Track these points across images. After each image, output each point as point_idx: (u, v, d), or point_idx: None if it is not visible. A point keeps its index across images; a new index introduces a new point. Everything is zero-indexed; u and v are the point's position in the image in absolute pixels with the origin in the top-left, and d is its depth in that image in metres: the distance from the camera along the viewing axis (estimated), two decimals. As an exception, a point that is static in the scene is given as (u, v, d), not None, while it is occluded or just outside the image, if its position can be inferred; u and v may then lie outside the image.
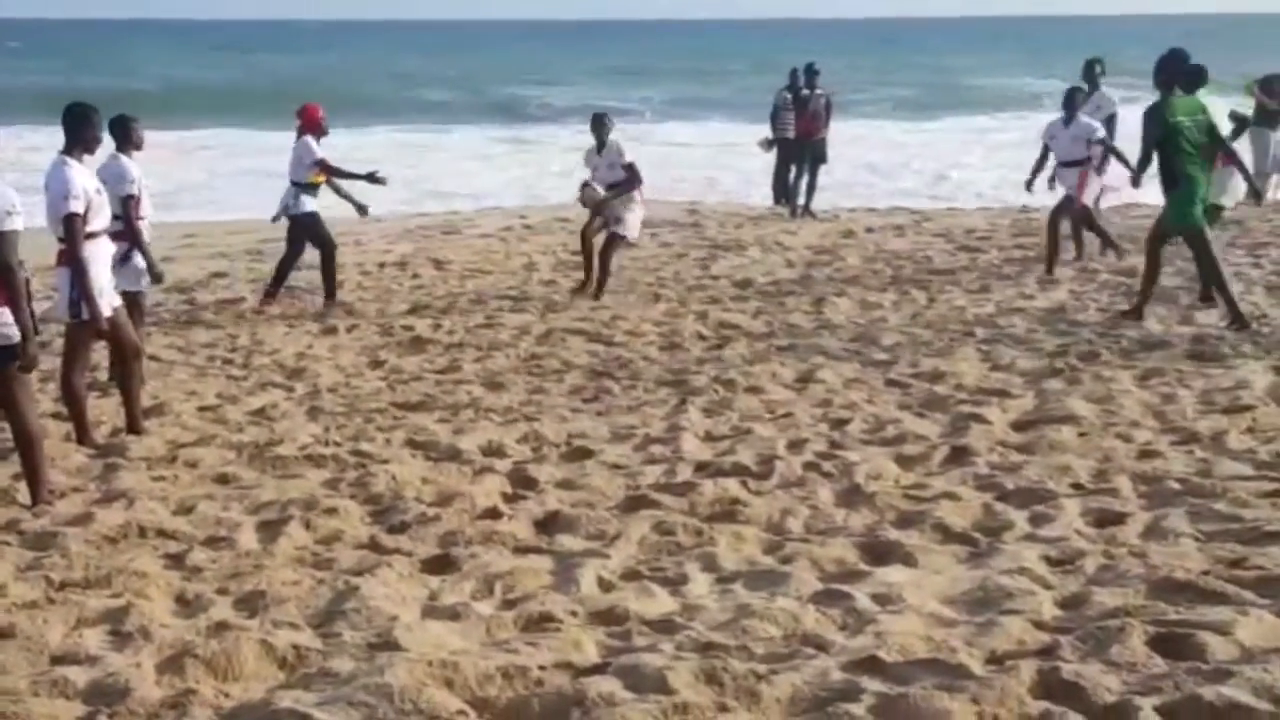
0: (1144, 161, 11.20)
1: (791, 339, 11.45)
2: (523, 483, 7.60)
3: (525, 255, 17.13)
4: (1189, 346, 10.35)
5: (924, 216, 19.86)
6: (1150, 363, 9.86)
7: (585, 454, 8.16)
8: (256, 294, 14.15)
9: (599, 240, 14.08)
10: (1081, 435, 8.09)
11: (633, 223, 14.05)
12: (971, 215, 20.23)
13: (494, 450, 8.33)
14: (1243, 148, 14.28)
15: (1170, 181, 11.05)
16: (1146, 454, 7.65)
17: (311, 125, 13.73)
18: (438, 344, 11.87)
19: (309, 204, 13.75)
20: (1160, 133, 10.91)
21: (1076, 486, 7.12)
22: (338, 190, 14.11)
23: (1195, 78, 11.46)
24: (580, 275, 14.40)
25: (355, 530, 6.84)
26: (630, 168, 13.85)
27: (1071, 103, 14.25)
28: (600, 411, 9.30)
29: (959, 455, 7.80)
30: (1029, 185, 14.71)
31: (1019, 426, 8.42)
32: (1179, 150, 10.92)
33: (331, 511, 7.04)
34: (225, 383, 10.52)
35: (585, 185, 14.06)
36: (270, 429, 9.01)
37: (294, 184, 13.71)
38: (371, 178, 13.90)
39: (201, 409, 9.61)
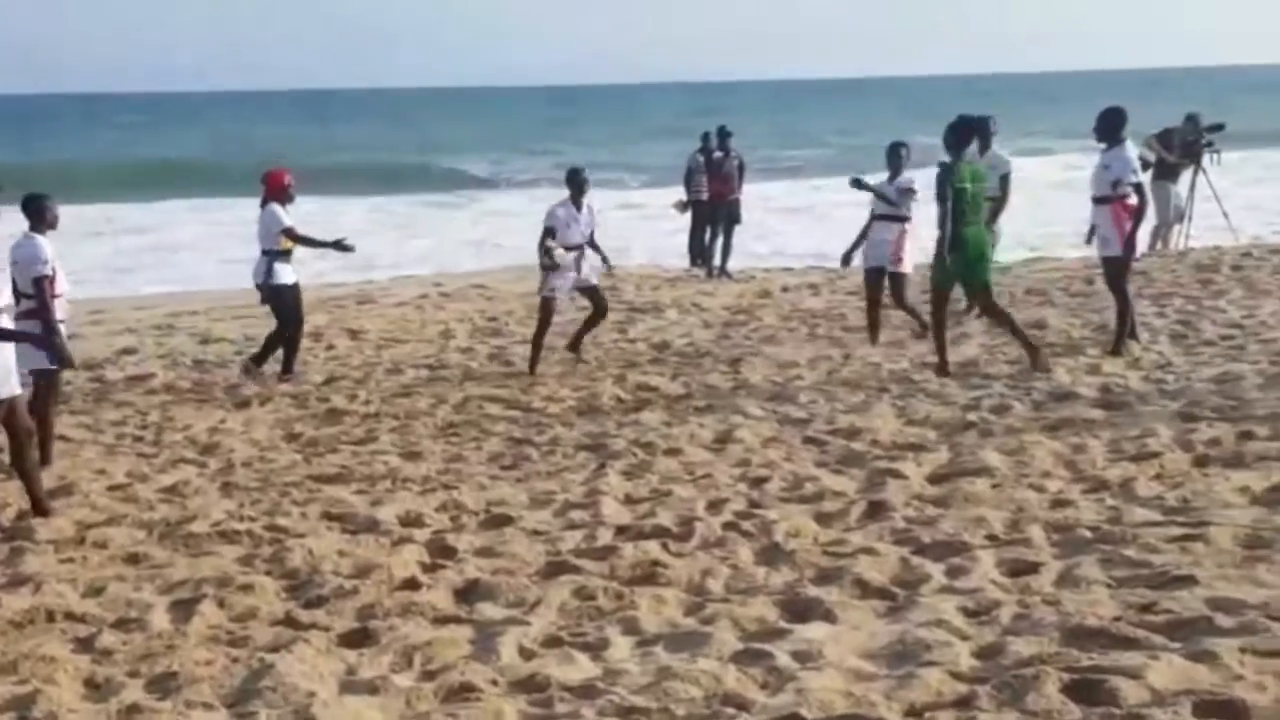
0: (941, 220, 11.64)
1: (709, 400, 11.49)
2: (442, 552, 7.55)
3: (442, 323, 17.10)
4: (1097, 396, 10.50)
5: (839, 274, 20.01)
6: (1060, 413, 9.98)
7: (505, 521, 8.12)
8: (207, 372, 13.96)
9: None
10: (995, 487, 8.17)
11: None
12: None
13: (412, 520, 8.27)
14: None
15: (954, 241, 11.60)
16: (1058, 503, 7.74)
17: (277, 191, 13.42)
18: (354, 414, 11.79)
19: (286, 274, 13.44)
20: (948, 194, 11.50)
21: (991, 538, 7.19)
22: (312, 244, 13.72)
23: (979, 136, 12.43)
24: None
25: (271, 606, 6.76)
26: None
27: (895, 159, 13.84)
28: (519, 478, 9.27)
29: (876, 510, 7.85)
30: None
31: (934, 480, 8.49)
32: (960, 212, 11.49)
33: (246, 588, 6.95)
34: (135, 460, 10.37)
35: (548, 249, 13.29)
36: (182, 506, 8.89)
37: (265, 253, 13.41)
38: (339, 245, 13.57)
39: (111, 488, 9.47)
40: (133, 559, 7.74)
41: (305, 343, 15.73)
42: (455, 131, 77.52)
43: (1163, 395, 10.38)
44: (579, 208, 13.50)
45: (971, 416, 10.05)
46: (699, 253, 21.40)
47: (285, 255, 13.42)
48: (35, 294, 9.59)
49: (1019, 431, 9.51)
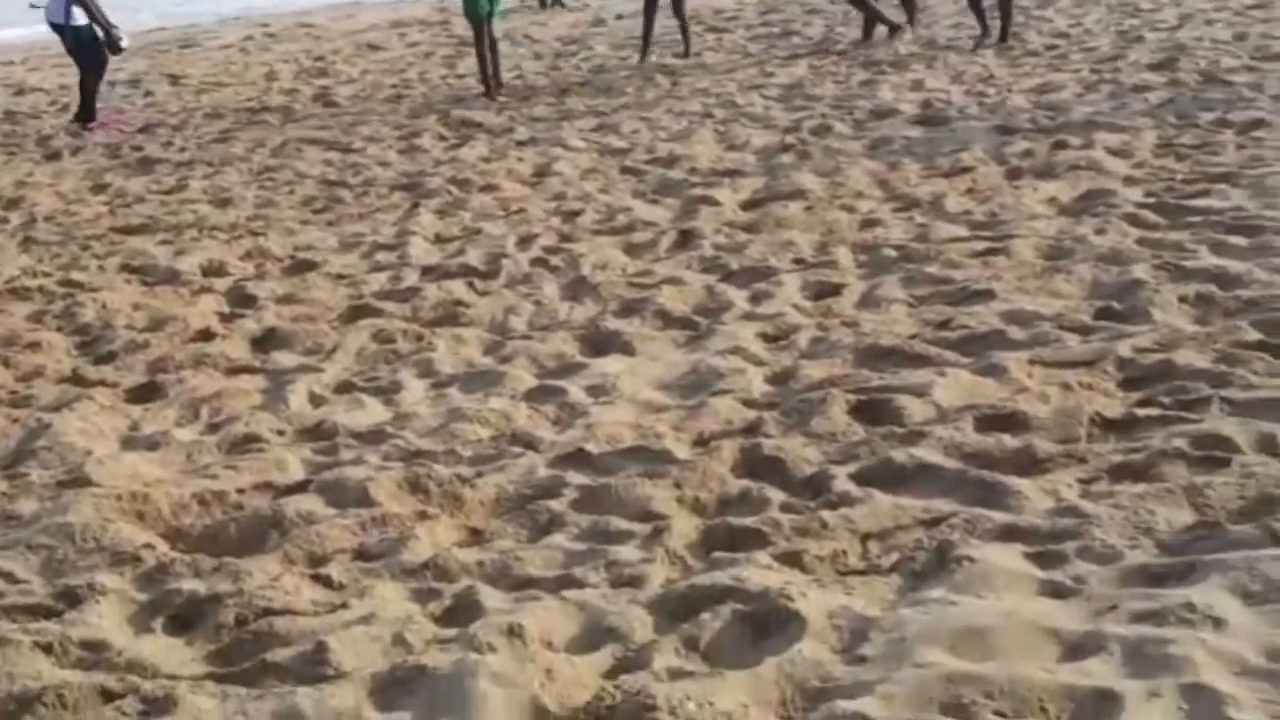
0: None
1: (533, 133, 11.23)
2: (241, 301, 7.34)
3: (266, 65, 16.50)
4: (918, 112, 10.41)
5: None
6: (880, 132, 9.89)
7: (309, 266, 7.90)
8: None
9: None
10: (808, 209, 8.09)
11: None
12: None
13: (214, 269, 8.02)
14: None
15: None
16: (868, 223, 7.68)
17: None
18: (167, 163, 11.38)
19: (80, 17, 12.94)
20: None
21: (798, 261, 7.13)
22: (89, 11, 13.10)
23: None
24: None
25: (59, 364, 6.53)
26: None
27: None
28: (330, 221, 9.01)
29: (686, 239, 7.74)
30: None
31: (747, 206, 8.38)
32: None
33: (34, 346, 6.72)
34: (-69, 220, 9.93)
35: None
36: (-25, 264, 8.54)
37: None
38: (111, 39, 13.07)
39: (-99, 248, 9.07)
40: (-85, 321, 7.43)
41: (122, 90, 15.17)
42: None
43: (982, 109, 10.31)
44: None
45: (790, 139, 9.92)
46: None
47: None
48: None
49: (837, 152, 9.40)
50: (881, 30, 13.80)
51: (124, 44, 13.47)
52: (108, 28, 13.05)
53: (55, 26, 13.11)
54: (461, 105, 12.84)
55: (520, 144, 10.86)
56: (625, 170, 9.63)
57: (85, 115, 13.12)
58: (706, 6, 18.07)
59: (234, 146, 11.77)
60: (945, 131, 9.74)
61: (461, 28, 18.12)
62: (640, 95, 12.50)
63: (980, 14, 12.96)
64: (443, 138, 11.45)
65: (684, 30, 14.48)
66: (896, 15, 13.99)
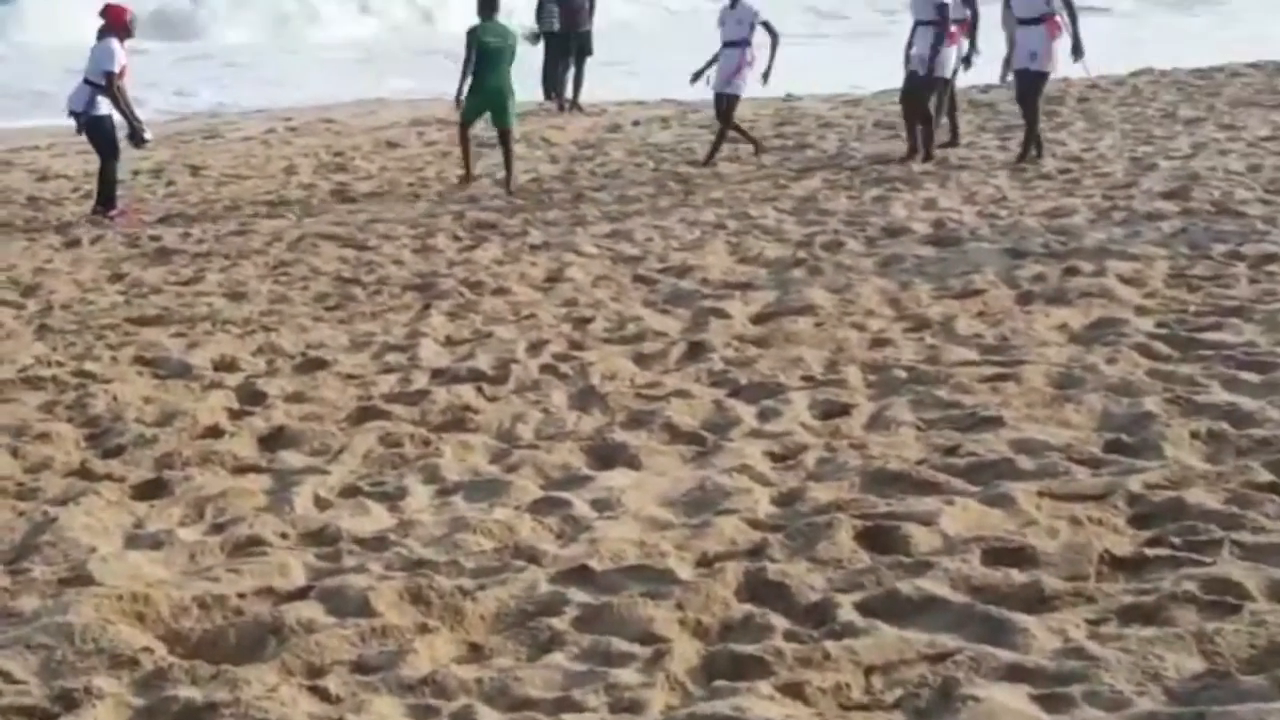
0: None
1: (546, 237, 11.30)
2: (251, 397, 7.33)
3: (286, 159, 16.64)
4: (930, 232, 10.48)
5: (691, 108, 19.76)
6: (892, 249, 9.95)
7: (320, 365, 7.91)
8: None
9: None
10: (818, 325, 8.12)
11: (745, 80, 14.55)
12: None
13: (226, 364, 8.03)
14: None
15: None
16: (878, 342, 7.70)
17: (118, 26, 13.03)
18: (184, 254, 11.43)
19: (106, 105, 13.10)
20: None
21: (808, 378, 7.13)
22: (117, 104, 13.23)
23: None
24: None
25: (67, 456, 6.51)
26: (765, 25, 14.34)
27: None
28: (342, 319, 9.04)
29: (696, 351, 7.75)
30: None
31: (758, 320, 8.42)
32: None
33: (44, 437, 6.71)
34: (-52, 304, 9.97)
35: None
36: (-9, 350, 8.57)
37: (88, 83, 13.07)
38: (136, 133, 13.31)
39: (-83, 332, 9.10)
40: (-74, 407, 7.44)
41: (144, 179, 15.29)
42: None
43: (994, 230, 10.38)
44: (732, 5, 14.62)
45: (803, 254, 9.98)
46: (553, 86, 20.95)
47: (106, 89, 13.04)
48: None
49: (848, 269, 9.46)
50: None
51: (148, 137, 13.64)
52: (134, 122, 13.21)
53: (75, 114, 13.25)
54: (476, 206, 12.93)
55: (534, 247, 10.93)
56: (637, 278, 9.68)
57: (106, 203, 13.21)
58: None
59: (251, 240, 11.84)
60: (957, 252, 9.79)
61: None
62: (654, 203, 12.60)
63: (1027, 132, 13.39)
64: (457, 238, 11.52)
65: (721, 138, 14.79)
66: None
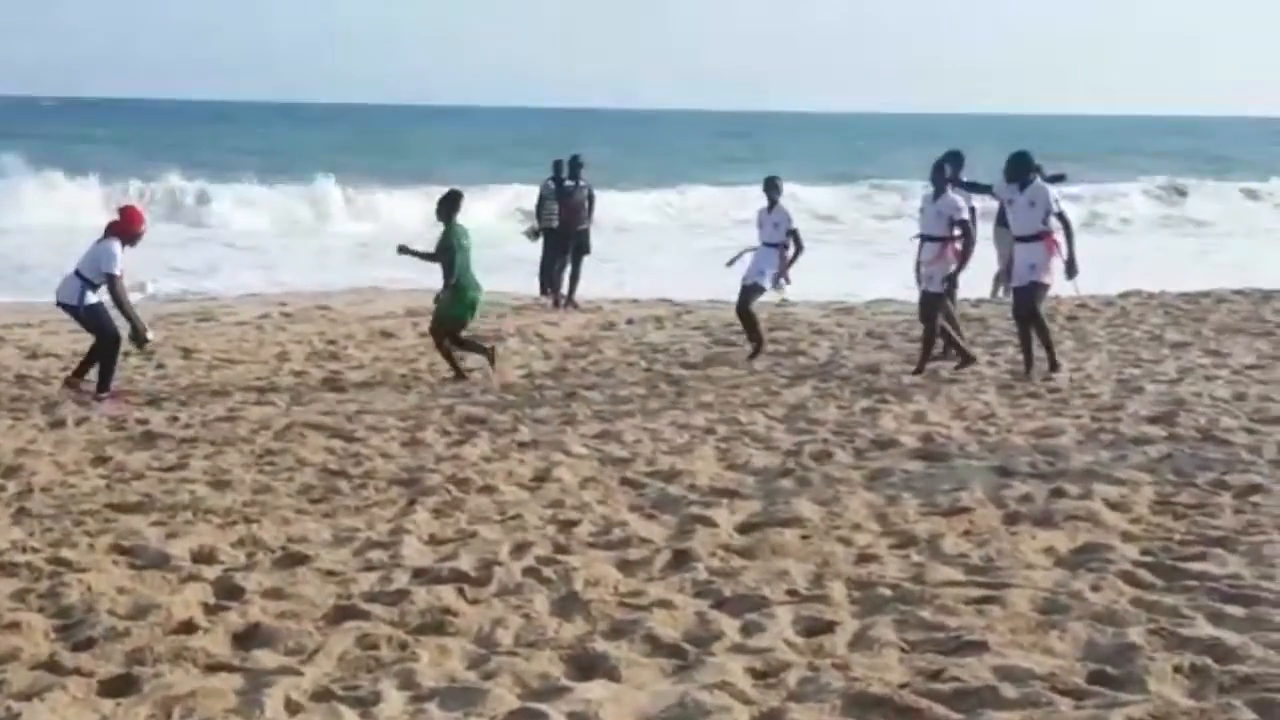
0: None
1: (535, 435, 11.31)
2: (228, 592, 7.25)
3: (280, 345, 16.72)
4: (919, 445, 10.51)
5: (685, 309, 19.99)
6: (881, 463, 9.96)
7: (300, 560, 7.84)
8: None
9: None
10: (804, 538, 8.08)
11: (771, 275, 15.20)
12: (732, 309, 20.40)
13: (205, 556, 7.96)
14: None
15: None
16: (864, 558, 7.66)
17: (126, 231, 13.28)
18: (170, 439, 11.41)
19: (95, 296, 13.30)
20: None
21: (792, 593, 7.07)
22: (119, 306, 13.39)
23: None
24: None
25: (36, 648, 6.40)
26: (793, 234, 15.02)
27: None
28: (326, 513, 8.99)
29: (680, 560, 7.71)
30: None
31: (744, 529, 8.38)
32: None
33: (13, 627, 6.60)
34: (-71, 484, 9.89)
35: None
36: (-34, 534, 8.47)
37: (80, 276, 13.25)
38: (138, 335, 13.42)
39: (-105, 514, 9.01)
40: (-103, 593, 7.33)
41: (135, 361, 15.32)
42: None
43: (982, 447, 10.41)
44: (770, 209, 15.38)
45: (791, 463, 9.98)
46: (549, 281, 21.22)
47: (97, 288, 13.30)
48: None
49: (836, 481, 9.45)
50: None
51: (150, 337, 13.74)
52: (136, 323, 13.31)
53: (66, 307, 13.37)
54: (467, 400, 12.96)
55: (523, 445, 10.92)
56: (625, 481, 9.66)
57: (102, 386, 13.22)
58: (715, 319, 18.45)
59: (239, 426, 11.83)
60: (945, 468, 9.80)
61: (476, 319, 18.50)
62: (645, 403, 12.64)
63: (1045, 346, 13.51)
64: (446, 432, 11.52)
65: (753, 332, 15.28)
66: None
